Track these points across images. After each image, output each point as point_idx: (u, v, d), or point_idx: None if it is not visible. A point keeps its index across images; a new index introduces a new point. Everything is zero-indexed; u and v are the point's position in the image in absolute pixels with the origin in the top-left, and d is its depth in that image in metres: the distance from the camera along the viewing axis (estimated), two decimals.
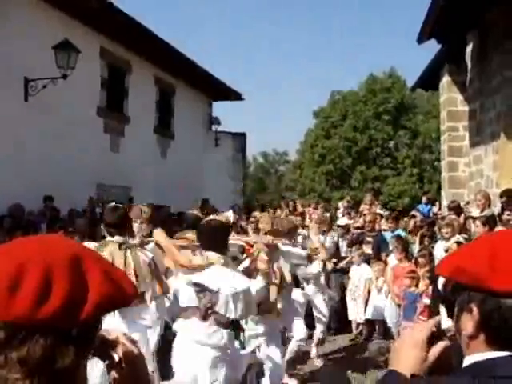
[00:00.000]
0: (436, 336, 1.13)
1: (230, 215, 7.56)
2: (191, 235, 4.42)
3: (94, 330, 0.95)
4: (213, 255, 3.56)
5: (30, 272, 0.87)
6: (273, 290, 4.42)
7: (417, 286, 6.27)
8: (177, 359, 3.54)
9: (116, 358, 1.02)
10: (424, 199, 14.99)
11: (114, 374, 1.02)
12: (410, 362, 1.11)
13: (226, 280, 3.47)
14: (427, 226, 8.47)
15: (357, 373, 5.77)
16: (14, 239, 1.00)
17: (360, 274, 7.62)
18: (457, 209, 7.94)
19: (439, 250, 6.18)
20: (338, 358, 6.70)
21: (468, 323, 1.05)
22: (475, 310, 1.04)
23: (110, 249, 3.98)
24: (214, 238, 3.63)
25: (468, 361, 1.06)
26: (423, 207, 13.90)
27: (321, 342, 6.75)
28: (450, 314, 1.10)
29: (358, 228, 9.17)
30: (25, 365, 0.85)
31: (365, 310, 7.48)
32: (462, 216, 7.56)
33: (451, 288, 1.11)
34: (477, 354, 1.04)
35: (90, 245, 4.06)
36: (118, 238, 4.05)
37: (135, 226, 5.08)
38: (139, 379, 1.05)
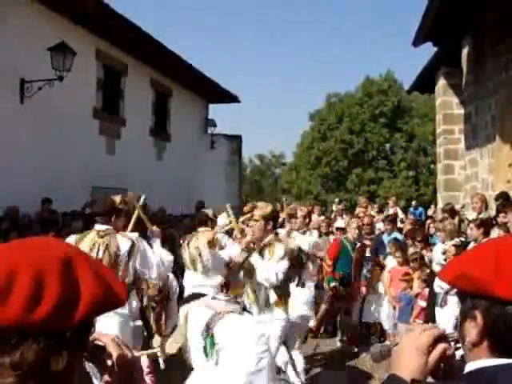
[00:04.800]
0: (438, 340, 1.12)
1: (224, 218, 7.59)
2: None
3: (87, 332, 0.94)
4: None
5: (21, 276, 0.86)
6: None
7: (411, 288, 6.29)
8: None
9: (109, 361, 1.01)
10: (413, 204, 15.25)
11: (106, 377, 1.02)
12: (412, 367, 1.09)
13: None
14: (419, 227, 8.49)
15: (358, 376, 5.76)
16: (6, 242, 0.99)
17: None
18: (451, 211, 7.95)
19: (437, 253, 6.18)
20: (336, 361, 6.68)
21: (472, 330, 1.04)
22: (479, 317, 1.03)
23: (90, 236, 4.04)
24: None
25: (469, 367, 1.05)
26: (414, 211, 14.10)
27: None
28: None
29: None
30: (18, 369, 0.84)
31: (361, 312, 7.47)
32: (457, 218, 7.58)
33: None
34: (478, 361, 1.03)
35: (72, 237, 4.12)
36: (98, 227, 4.07)
37: None
38: (132, 383, 1.04)
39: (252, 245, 4.33)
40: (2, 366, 0.85)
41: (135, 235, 4.15)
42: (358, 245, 7.12)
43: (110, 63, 12.30)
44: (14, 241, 0.98)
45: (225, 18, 71.00)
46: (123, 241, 4.01)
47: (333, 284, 6.82)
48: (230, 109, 46.33)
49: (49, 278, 0.87)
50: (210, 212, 5.72)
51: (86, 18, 10.49)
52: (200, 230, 5.33)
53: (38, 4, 9.76)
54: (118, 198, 4.21)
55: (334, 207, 14.08)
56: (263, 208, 4.46)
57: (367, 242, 8.34)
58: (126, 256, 4.00)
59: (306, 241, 6.57)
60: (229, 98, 17.24)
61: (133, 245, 4.02)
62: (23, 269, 0.87)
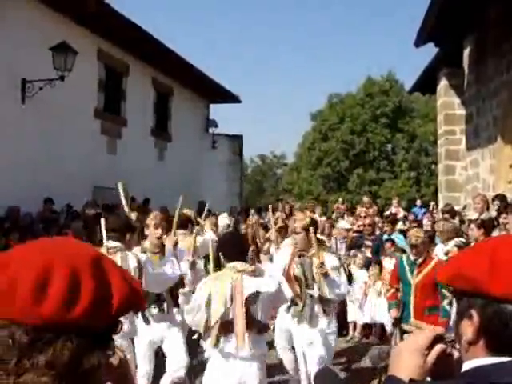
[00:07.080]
0: (436, 341, 1.12)
1: (225, 217, 7.58)
2: None
3: (114, 331, 0.94)
4: (241, 264, 3.56)
5: (56, 273, 0.85)
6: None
7: None
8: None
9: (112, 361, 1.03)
10: (418, 203, 15.15)
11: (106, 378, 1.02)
12: (410, 368, 1.10)
13: (258, 286, 3.48)
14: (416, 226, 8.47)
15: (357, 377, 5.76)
16: (7, 241, 0.99)
17: (356, 277, 7.61)
18: (450, 212, 7.95)
19: (439, 254, 6.16)
20: (337, 362, 6.66)
21: (468, 329, 1.05)
22: (475, 315, 1.03)
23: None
24: (233, 249, 3.66)
25: (466, 366, 1.06)
26: (417, 210, 14.00)
27: None
28: None
29: (357, 232, 9.15)
30: (52, 368, 0.83)
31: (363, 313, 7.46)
32: (457, 219, 7.57)
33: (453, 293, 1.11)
34: (475, 360, 1.04)
35: None
36: (110, 243, 4.02)
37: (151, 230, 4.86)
38: (127, 382, 1.07)
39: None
40: (37, 364, 0.83)
41: (144, 256, 4.26)
42: (419, 261, 4.98)
43: (112, 63, 12.31)
44: (46, 239, 0.97)
45: (226, 17, 71.09)
46: (132, 258, 4.05)
47: (392, 311, 5.29)
48: (231, 109, 46.26)
49: (84, 275, 0.87)
50: (191, 213, 5.75)
51: (87, 18, 10.51)
52: (178, 232, 5.23)
53: (39, 4, 9.77)
54: (133, 216, 4.19)
55: (335, 207, 14.00)
56: (302, 220, 4.65)
57: (368, 243, 8.35)
58: (135, 275, 4.02)
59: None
60: (230, 97, 17.25)
61: (139, 265, 4.06)
62: (58, 267, 0.86)
